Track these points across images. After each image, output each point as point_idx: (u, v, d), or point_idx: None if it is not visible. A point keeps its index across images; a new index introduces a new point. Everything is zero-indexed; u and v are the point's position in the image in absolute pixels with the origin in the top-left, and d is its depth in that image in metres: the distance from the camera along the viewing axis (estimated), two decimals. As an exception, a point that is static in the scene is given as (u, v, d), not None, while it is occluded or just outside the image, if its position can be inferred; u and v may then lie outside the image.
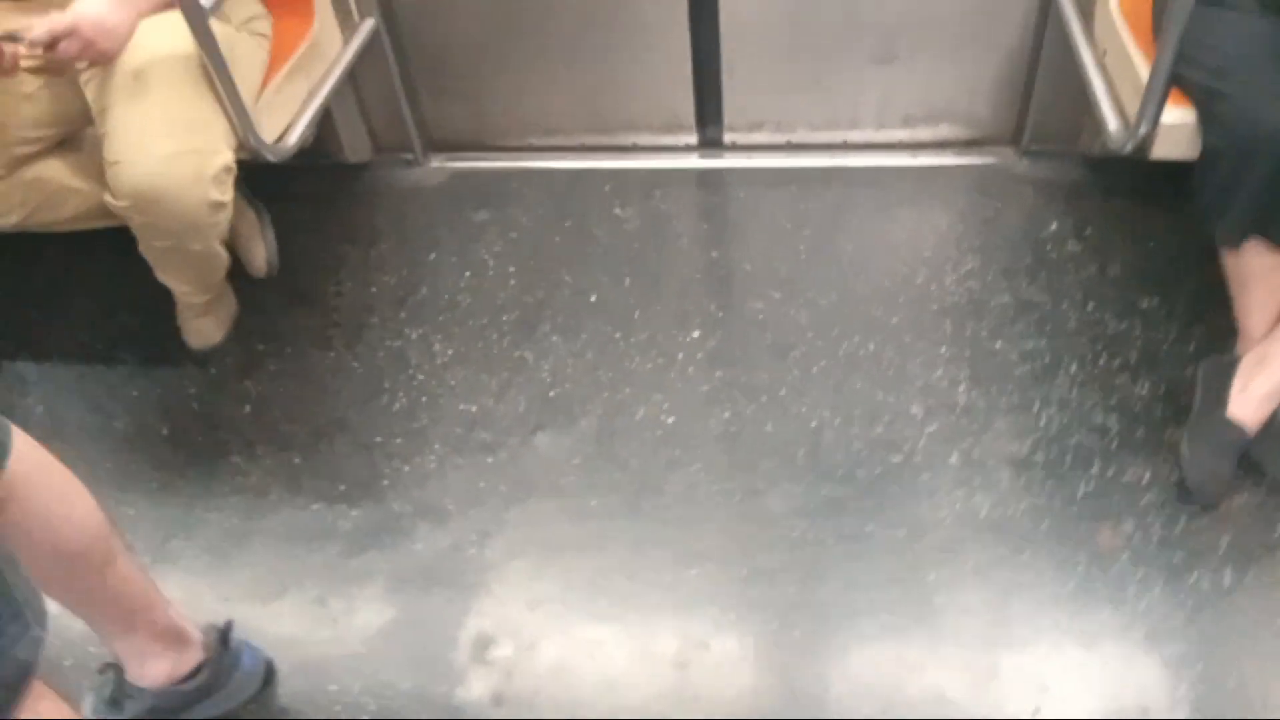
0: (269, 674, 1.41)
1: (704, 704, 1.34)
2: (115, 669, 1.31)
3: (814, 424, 1.66)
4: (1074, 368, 1.71)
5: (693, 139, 2.25)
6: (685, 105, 2.20)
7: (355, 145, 2.27)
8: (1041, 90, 2.03)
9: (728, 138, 2.24)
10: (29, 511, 1.03)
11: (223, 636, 1.35)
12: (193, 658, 1.32)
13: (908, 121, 2.16)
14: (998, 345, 1.76)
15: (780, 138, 2.23)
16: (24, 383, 1.89)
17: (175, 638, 1.30)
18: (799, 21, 2.03)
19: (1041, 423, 1.63)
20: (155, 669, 1.29)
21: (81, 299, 2.05)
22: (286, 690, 1.41)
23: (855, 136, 2.20)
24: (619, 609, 1.45)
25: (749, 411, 1.69)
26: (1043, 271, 1.87)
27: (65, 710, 0.91)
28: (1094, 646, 1.37)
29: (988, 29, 2.00)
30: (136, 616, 1.25)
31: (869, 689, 1.35)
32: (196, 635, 1.33)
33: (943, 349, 1.76)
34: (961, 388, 1.70)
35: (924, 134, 2.17)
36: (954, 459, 1.59)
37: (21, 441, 1.04)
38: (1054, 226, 1.96)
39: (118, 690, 1.31)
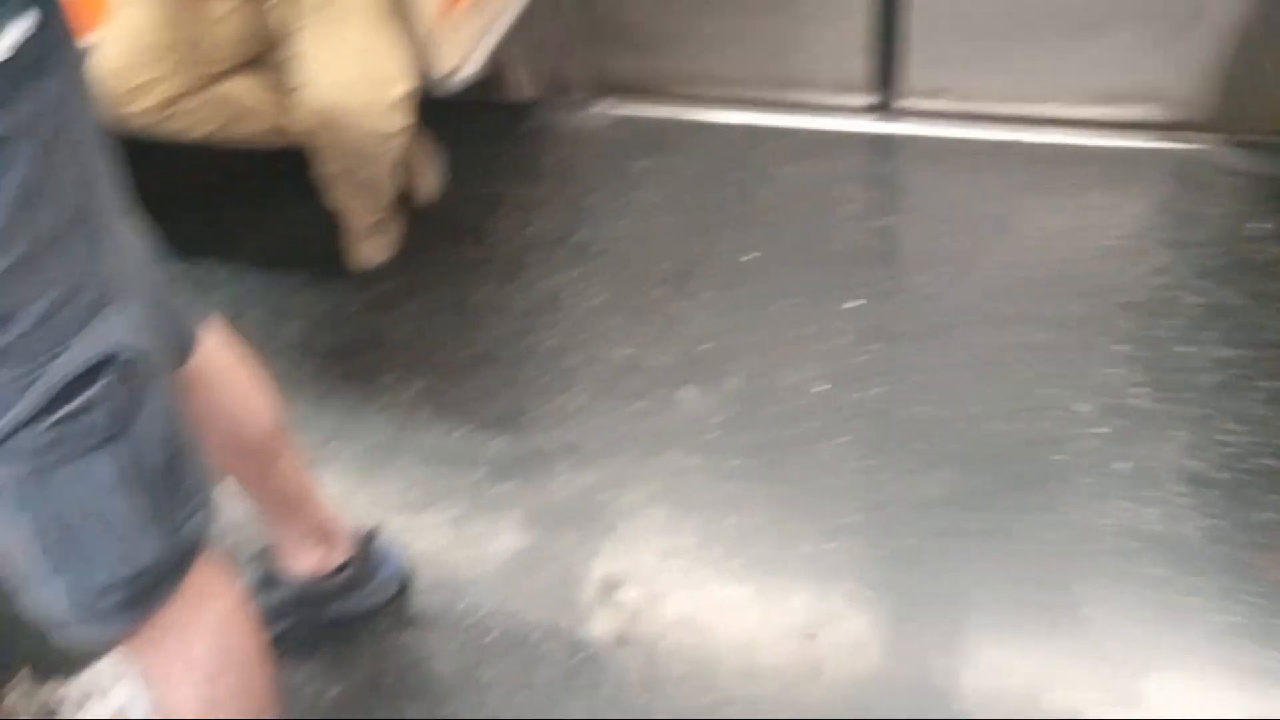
0: (406, 583, 1.46)
1: (827, 679, 1.31)
2: (268, 556, 1.38)
3: (973, 410, 1.58)
4: (1267, 383, 1.57)
5: (868, 102, 2.17)
6: (862, 65, 2.12)
7: (524, 84, 2.28)
8: (1257, 75, 1.87)
9: (905, 103, 2.15)
10: (213, 402, 1.07)
11: (369, 540, 1.40)
12: (339, 555, 1.37)
13: (1106, 99, 2.02)
14: (1184, 349, 1.63)
15: (962, 107, 2.12)
16: (214, 280, 2.00)
17: (326, 534, 1.35)
18: (999, -15, 1.92)
19: (1226, 439, 1.51)
20: (304, 561, 1.35)
21: (264, 214, 2.14)
22: (420, 601, 1.45)
23: (1045, 111, 2.07)
24: (752, 571, 1.42)
25: (904, 389, 1.62)
26: (1243, 274, 1.73)
27: (231, 582, 0.96)
28: (1251, 690, 1.26)
29: (1205, 4, 1.84)
30: (294, 510, 1.30)
31: (999, 693, 1.28)
32: (345, 535, 1.38)
33: (1122, 347, 1.65)
34: (1139, 391, 1.59)
35: (1122, 113, 2.03)
36: (1122, 466, 1.49)
37: (214, 337, 1.08)
38: (1260, 225, 1.80)
39: (268, 576, 1.37)
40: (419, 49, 1.60)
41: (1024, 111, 2.08)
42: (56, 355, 0.72)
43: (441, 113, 1.97)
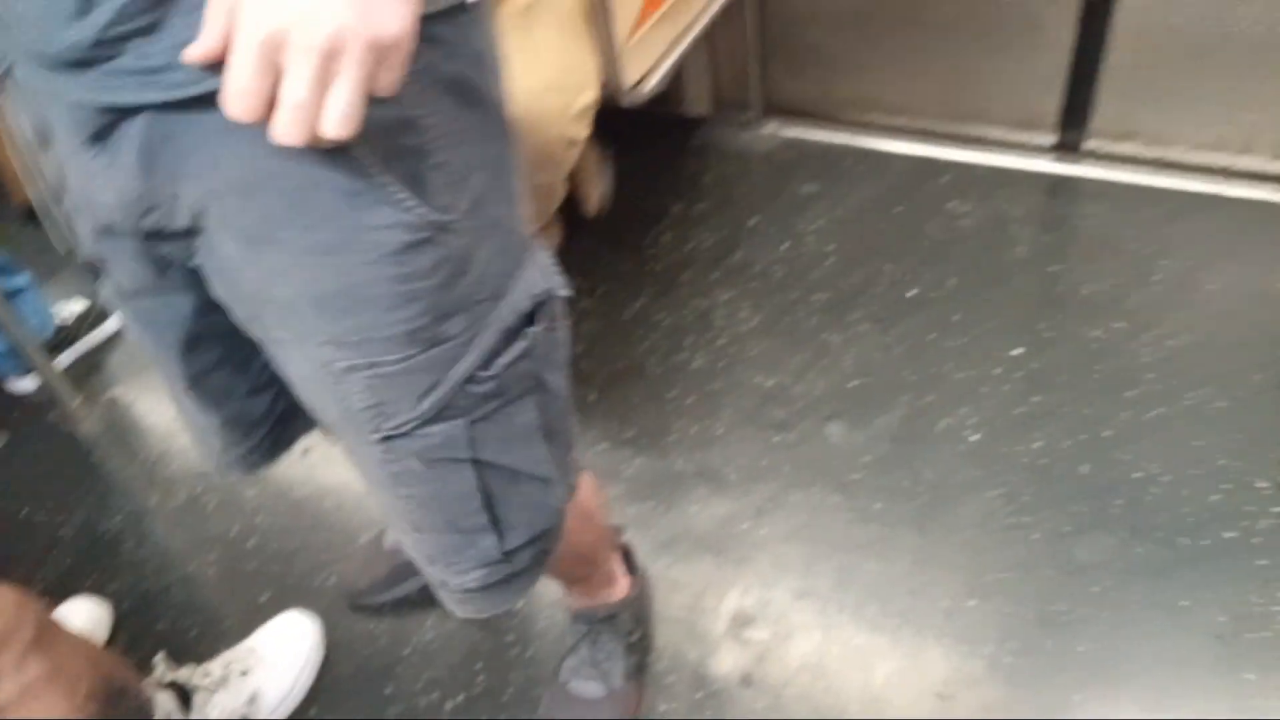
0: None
1: (962, 744, 1.26)
2: None
3: (1139, 475, 1.49)
4: None
5: (1050, 140, 2.08)
6: (1049, 102, 2.03)
7: (697, 100, 2.29)
8: None
9: (1091, 144, 2.05)
10: None
11: None
12: None
13: (1314, 155, 1.88)
14: (1385, 432, 1.50)
15: (1153, 152, 2.01)
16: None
17: None
18: (1210, 26, 1.80)
19: None
20: None
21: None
22: (547, 616, 1.46)
23: (1244, 164, 1.94)
24: (889, 621, 1.38)
25: (1066, 446, 1.55)
26: None
27: None
28: None
29: None
30: None
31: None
32: None
33: (1312, 423, 1.52)
34: (1329, 472, 1.46)
35: (1331, 172, 1.88)
36: (1304, 551, 1.38)
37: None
38: None
39: None
40: (609, 59, 1.61)
41: (1220, 162, 1.95)
42: (500, 299, 0.72)
43: (613, 123, 1.99)
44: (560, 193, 1.87)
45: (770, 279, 1.91)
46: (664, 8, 1.79)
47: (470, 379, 0.72)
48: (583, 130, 1.64)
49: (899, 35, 2.06)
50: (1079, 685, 1.29)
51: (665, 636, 1.40)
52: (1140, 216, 1.91)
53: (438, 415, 0.72)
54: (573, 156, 1.69)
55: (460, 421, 0.73)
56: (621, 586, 1.32)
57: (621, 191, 2.14)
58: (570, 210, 2.05)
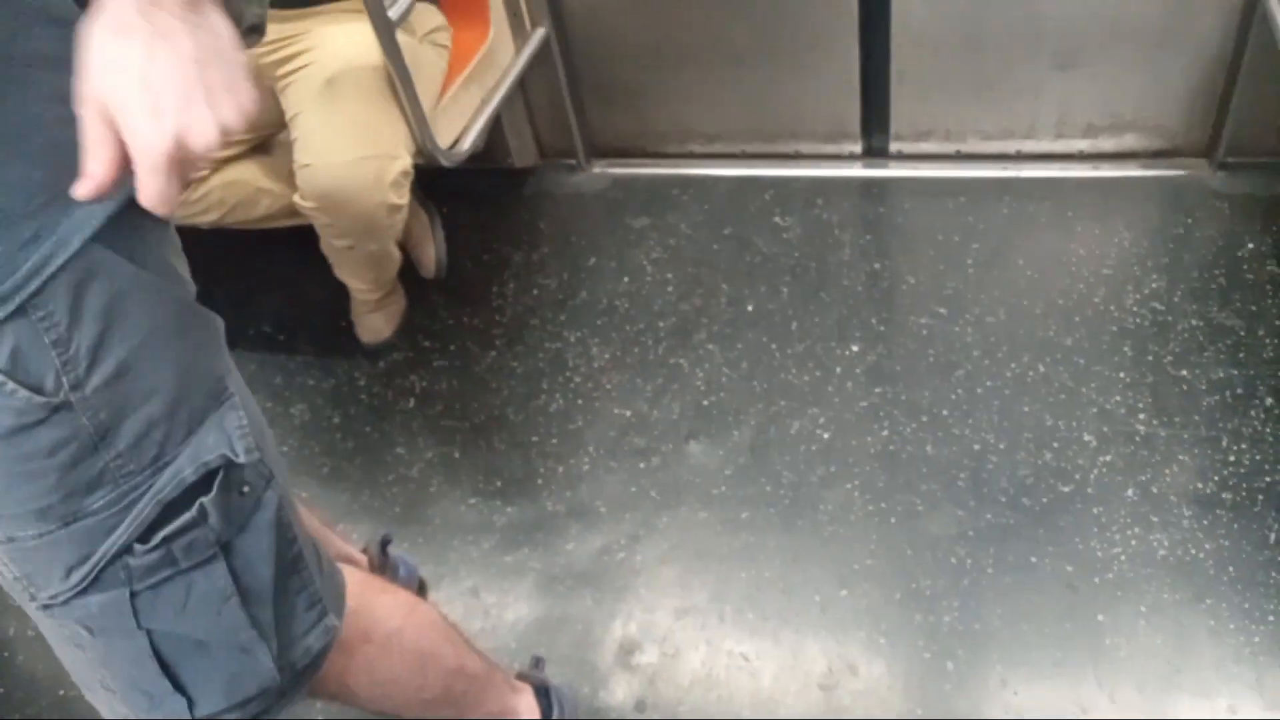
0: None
1: (851, 728, 1.31)
2: None
3: (977, 447, 1.60)
4: (1269, 400, 1.58)
5: (857, 148, 2.21)
6: (851, 113, 2.16)
7: (522, 151, 2.33)
8: (1241, 98, 1.89)
9: (894, 146, 2.19)
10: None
11: (384, 545, 1.48)
12: None
13: (1090, 131, 2.05)
14: (1183, 372, 1.64)
15: (949, 147, 2.16)
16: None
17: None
18: (975, 25, 1.96)
19: (1230, 459, 1.52)
20: None
21: (268, 294, 2.18)
22: (440, 677, 1.46)
23: (1030, 146, 2.11)
24: (767, 623, 1.43)
25: (909, 430, 1.64)
26: (1237, 294, 1.74)
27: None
28: (1278, 709, 1.27)
29: (1182, 31, 1.88)
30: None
31: (1027, 729, 1.28)
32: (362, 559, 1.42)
33: (1121, 374, 1.66)
34: (1141, 416, 1.60)
35: (1107, 144, 2.06)
36: (1130, 492, 1.50)
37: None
38: (1251, 245, 1.82)
39: None
40: (419, 126, 1.64)
41: (1008, 148, 2.11)
42: (159, 470, 0.68)
43: (441, 183, 2.02)
44: (395, 260, 1.88)
45: (616, 313, 1.96)
46: (468, 70, 1.83)
47: (126, 551, 0.69)
48: (402, 196, 1.66)
49: (700, 67, 2.16)
50: (948, 653, 1.36)
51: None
52: (947, 207, 2.05)
53: (91, 587, 0.70)
54: (398, 222, 1.71)
55: (120, 592, 0.70)
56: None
57: (460, 249, 2.16)
58: (411, 276, 2.06)
